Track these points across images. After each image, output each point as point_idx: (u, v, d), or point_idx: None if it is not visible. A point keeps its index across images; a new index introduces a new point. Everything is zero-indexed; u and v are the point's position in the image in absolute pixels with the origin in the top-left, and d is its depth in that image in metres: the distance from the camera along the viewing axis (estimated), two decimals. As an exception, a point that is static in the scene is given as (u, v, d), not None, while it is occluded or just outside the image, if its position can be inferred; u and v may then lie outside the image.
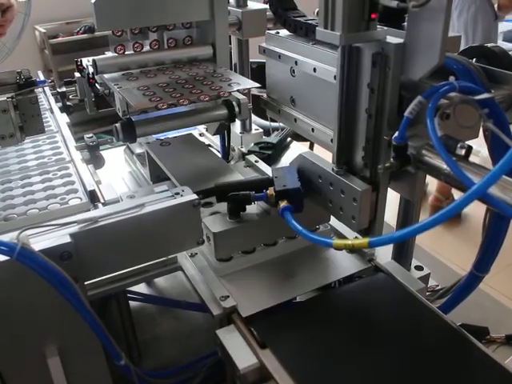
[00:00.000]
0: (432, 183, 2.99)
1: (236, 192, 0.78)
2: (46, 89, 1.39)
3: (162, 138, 1.42)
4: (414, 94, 0.62)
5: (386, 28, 0.68)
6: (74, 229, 0.63)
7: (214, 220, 0.80)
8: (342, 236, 0.87)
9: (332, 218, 0.88)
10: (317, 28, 0.68)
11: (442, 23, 0.56)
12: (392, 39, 0.65)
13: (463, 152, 0.57)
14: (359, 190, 0.67)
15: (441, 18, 0.56)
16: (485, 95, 0.59)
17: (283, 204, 0.72)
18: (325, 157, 0.79)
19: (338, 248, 0.63)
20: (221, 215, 0.81)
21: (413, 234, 0.52)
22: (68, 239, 0.61)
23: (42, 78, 1.36)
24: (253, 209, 0.82)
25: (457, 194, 2.92)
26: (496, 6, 2.72)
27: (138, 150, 1.32)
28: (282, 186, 0.74)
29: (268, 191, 0.75)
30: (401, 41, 0.63)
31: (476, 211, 2.93)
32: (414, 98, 0.61)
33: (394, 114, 0.66)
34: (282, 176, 0.77)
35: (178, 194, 0.72)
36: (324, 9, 0.65)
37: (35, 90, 0.97)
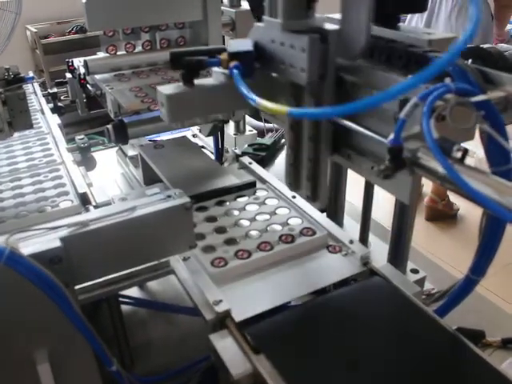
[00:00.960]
0: (427, 184, 2.99)
1: (190, 57, 0.78)
2: (37, 89, 1.38)
3: (154, 139, 1.41)
4: (352, 74, 0.74)
5: (324, 16, 0.76)
6: (65, 232, 0.62)
7: (168, 86, 0.78)
8: (337, 240, 0.86)
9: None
10: (264, 17, 0.75)
11: (367, 10, 0.66)
12: (329, 26, 0.72)
13: (459, 155, 0.56)
14: (306, 37, 0.70)
15: (366, 4, 0.65)
16: (481, 97, 0.59)
17: (233, 63, 0.74)
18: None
19: (259, 106, 0.64)
20: (176, 84, 0.80)
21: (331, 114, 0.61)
22: (58, 243, 0.60)
23: (31, 75, 1.35)
24: (209, 80, 0.81)
25: (452, 195, 2.93)
26: (493, 7, 2.72)
27: (131, 152, 1.31)
28: (234, 49, 0.76)
29: (221, 56, 0.76)
30: (337, 27, 0.71)
31: (471, 213, 2.94)
32: (352, 79, 0.72)
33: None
34: (235, 43, 0.79)
35: (170, 196, 0.71)
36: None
37: (23, 87, 0.96)
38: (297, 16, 0.72)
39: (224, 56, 0.75)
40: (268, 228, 0.89)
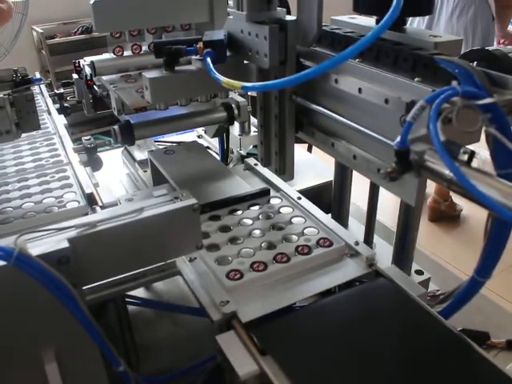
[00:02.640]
0: (430, 185, 2.99)
1: (170, 46, 0.88)
2: (44, 90, 1.38)
3: (160, 139, 1.42)
4: (309, 59, 0.87)
5: (283, 9, 0.88)
6: (72, 233, 0.63)
7: (151, 72, 0.90)
8: (336, 240, 0.87)
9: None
10: (230, 10, 0.90)
11: (316, 4, 0.78)
12: (289, 17, 0.86)
13: (466, 157, 0.57)
14: (266, 27, 0.81)
15: (315, 0, 0.78)
16: (487, 100, 0.59)
17: (206, 50, 0.85)
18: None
19: (222, 83, 0.75)
20: (159, 69, 0.91)
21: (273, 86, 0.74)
22: (66, 244, 0.60)
23: (38, 76, 1.35)
24: (189, 66, 0.91)
25: (455, 196, 2.92)
26: (493, 8, 2.72)
27: (136, 152, 1.32)
28: (208, 38, 0.87)
29: (198, 45, 0.86)
30: (294, 18, 0.84)
31: (475, 213, 2.94)
32: (309, 63, 0.87)
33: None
34: (210, 34, 0.90)
35: (177, 198, 0.71)
36: None
37: (31, 88, 0.97)
38: (259, 9, 0.86)
39: (200, 44, 0.86)
40: (283, 238, 0.87)
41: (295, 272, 0.80)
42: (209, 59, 0.82)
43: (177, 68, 0.89)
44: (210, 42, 0.86)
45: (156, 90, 0.87)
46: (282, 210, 0.96)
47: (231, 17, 0.91)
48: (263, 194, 1.00)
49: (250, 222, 0.92)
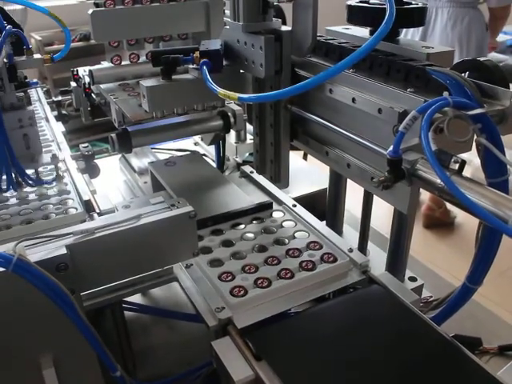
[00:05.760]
0: (425, 192, 3.00)
1: (167, 55, 0.88)
2: (42, 97, 1.39)
3: (157, 147, 1.42)
4: (303, 68, 0.89)
5: (279, 20, 0.89)
6: (70, 240, 0.64)
7: (149, 80, 0.90)
8: (336, 251, 0.88)
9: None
10: (227, 20, 0.91)
11: (311, 13, 0.79)
12: (284, 27, 0.87)
13: (457, 166, 0.58)
14: (262, 37, 0.83)
15: (311, 8, 0.79)
16: (478, 110, 0.60)
17: (203, 59, 0.85)
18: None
19: (218, 93, 0.76)
20: (156, 78, 0.91)
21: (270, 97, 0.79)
22: (64, 251, 0.61)
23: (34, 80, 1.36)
24: (186, 75, 0.91)
25: (449, 204, 2.93)
26: (488, 18, 2.77)
27: (134, 160, 1.33)
28: (205, 48, 0.88)
29: (194, 54, 0.87)
30: (289, 29, 0.86)
31: (469, 220, 2.95)
32: (304, 73, 0.88)
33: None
34: (207, 43, 0.91)
35: (173, 205, 0.72)
36: (232, 6, 0.88)
37: (28, 92, 0.99)
38: (255, 19, 0.87)
39: (196, 54, 0.86)
40: (287, 253, 0.86)
41: (300, 288, 0.79)
42: (205, 69, 0.83)
43: (174, 77, 0.90)
44: (206, 52, 0.87)
45: (153, 98, 0.88)
46: (284, 223, 0.95)
47: (227, 26, 0.93)
48: (266, 208, 0.99)
49: (252, 236, 0.91)
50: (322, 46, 0.91)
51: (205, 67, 0.83)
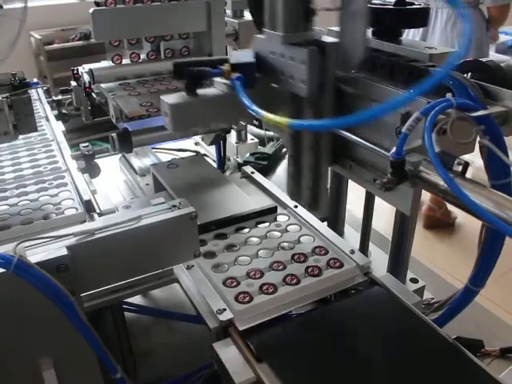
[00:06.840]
0: (425, 193, 2.99)
1: (192, 67, 0.78)
2: (42, 96, 1.38)
3: (157, 146, 1.42)
4: (349, 85, 0.77)
5: (322, 29, 0.78)
6: (71, 241, 0.63)
7: (171, 96, 0.79)
8: (343, 256, 0.87)
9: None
10: (264, 29, 0.76)
11: (363, 23, 0.68)
12: (328, 38, 0.75)
13: (460, 168, 0.58)
14: (305, 50, 0.71)
15: (363, 18, 0.68)
16: (481, 112, 0.60)
17: (235, 74, 0.75)
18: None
19: (261, 117, 0.65)
20: (179, 93, 0.80)
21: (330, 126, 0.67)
22: (65, 251, 0.61)
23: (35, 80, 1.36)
24: (212, 90, 0.81)
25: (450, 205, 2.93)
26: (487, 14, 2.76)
27: (134, 159, 1.32)
28: (236, 60, 0.78)
29: (223, 67, 0.76)
30: (336, 40, 0.73)
31: (470, 221, 2.94)
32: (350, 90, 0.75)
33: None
34: (238, 55, 0.82)
35: (174, 206, 0.72)
36: (269, 13, 0.75)
37: (29, 92, 0.98)
38: (296, 29, 0.74)
39: (226, 67, 0.76)
40: (292, 258, 0.84)
41: (306, 294, 0.78)
42: (240, 85, 0.73)
43: (199, 91, 0.80)
44: (239, 65, 0.77)
45: (177, 116, 0.78)
46: (289, 228, 0.93)
47: (260, 36, 0.81)
48: (270, 212, 0.98)
49: (257, 240, 0.90)
50: (368, 59, 0.78)
51: (238, 82, 0.74)
